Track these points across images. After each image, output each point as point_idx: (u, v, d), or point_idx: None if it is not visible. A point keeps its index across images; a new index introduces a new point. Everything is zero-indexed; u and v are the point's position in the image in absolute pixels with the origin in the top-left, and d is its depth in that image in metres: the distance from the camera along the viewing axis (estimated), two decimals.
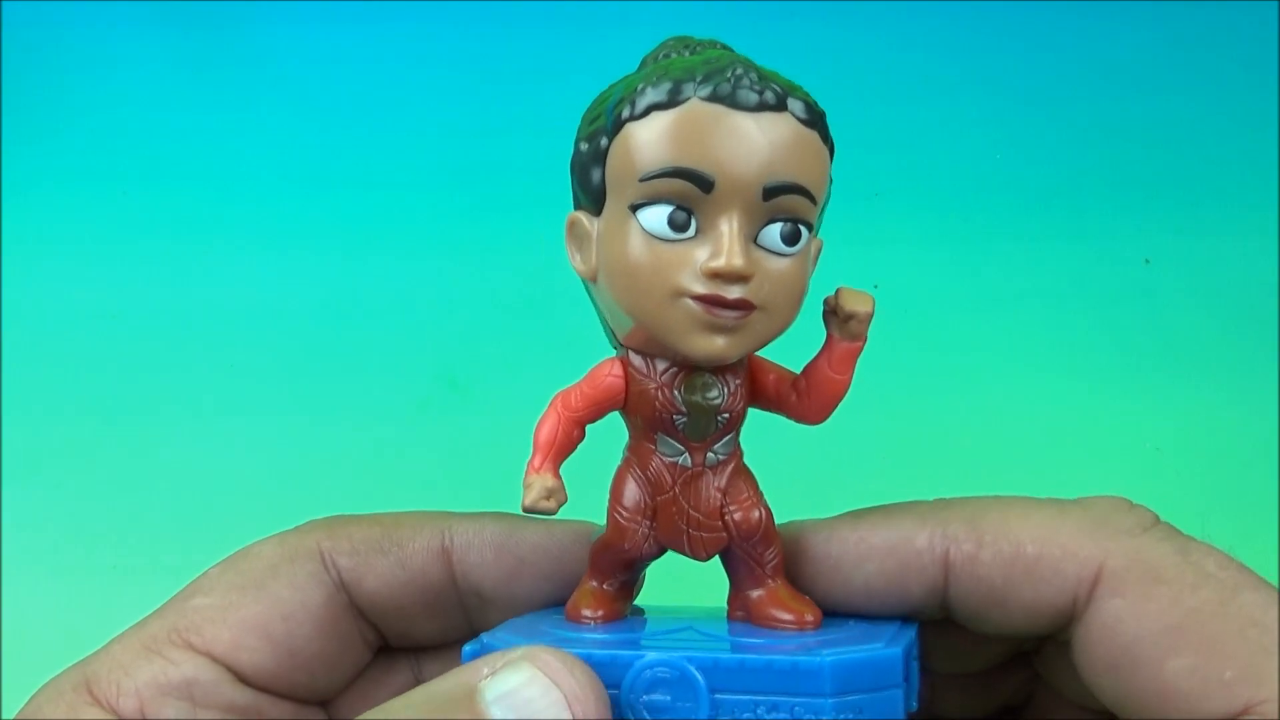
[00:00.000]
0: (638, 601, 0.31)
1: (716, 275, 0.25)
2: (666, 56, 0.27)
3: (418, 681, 0.32)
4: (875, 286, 0.27)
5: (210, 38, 0.66)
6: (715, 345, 0.25)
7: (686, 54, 0.27)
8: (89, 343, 0.61)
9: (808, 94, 0.26)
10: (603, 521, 0.28)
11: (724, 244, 0.25)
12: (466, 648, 0.27)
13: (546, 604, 0.30)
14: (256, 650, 0.28)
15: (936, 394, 0.58)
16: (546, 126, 0.60)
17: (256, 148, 0.65)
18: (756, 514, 0.27)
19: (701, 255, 0.25)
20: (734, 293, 0.25)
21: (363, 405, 0.59)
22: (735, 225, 0.25)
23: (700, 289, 0.25)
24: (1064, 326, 0.60)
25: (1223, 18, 0.63)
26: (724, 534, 0.27)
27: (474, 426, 0.58)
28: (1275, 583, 0.26)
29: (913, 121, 0.63)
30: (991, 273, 0.61)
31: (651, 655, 0.24)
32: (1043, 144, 0.63)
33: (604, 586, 0.28)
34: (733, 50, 0.28)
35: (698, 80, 0.25)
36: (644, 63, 0.28)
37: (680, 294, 0.25)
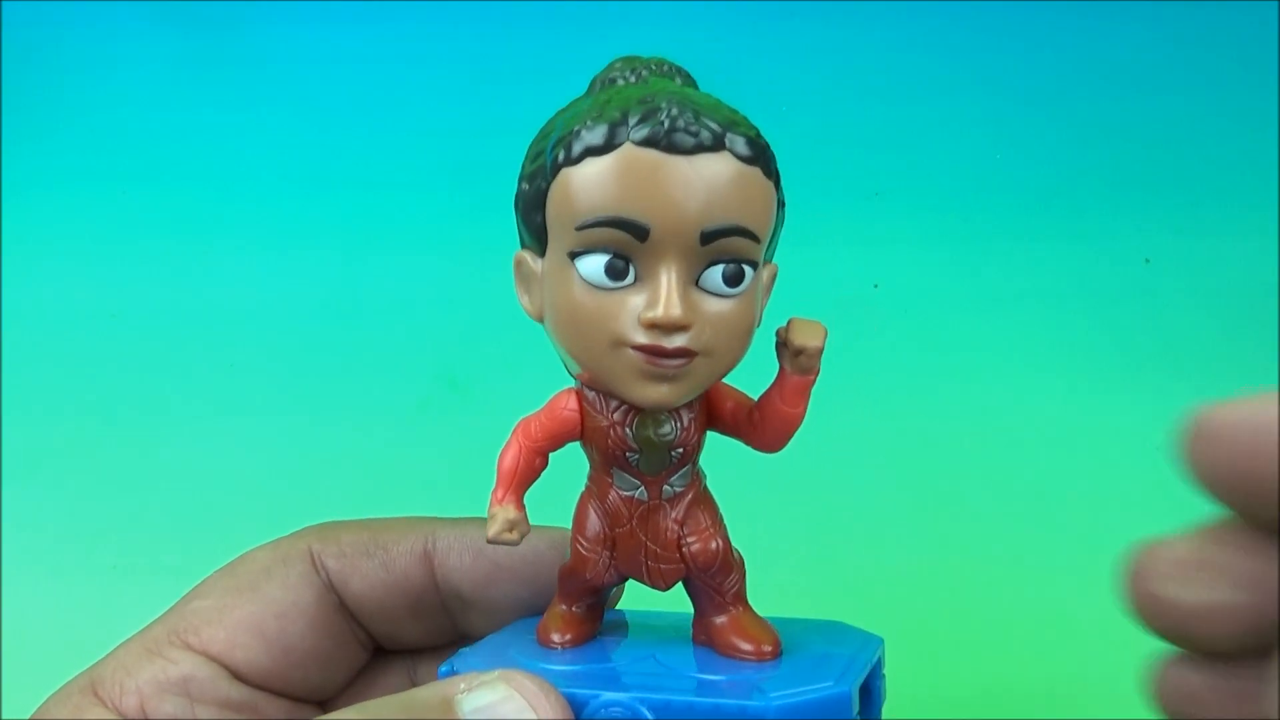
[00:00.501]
0: (620, 604, 0.31)
1: (654, 325, 0.24)
2: (612, 81, 0.27)
3: (413, 684, 0.32)
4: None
5: (210, 38, 0.66)
6: (659, 393, 0.25)
7: (632, 78, 0.27)
8: (89, 343, 0.61)
9: (750, 126, 0.25)
10: None
11: (661, 294, 0.24)
12: (441, 668, 0.27)
13: (525, 608, 0.31)
14: (251, 648, 0.29)
15: (936, 394, 0.58)
16: None
17: (256, 148, 0.65)
18: (714, 545, 0.27)
19: (640, 304, 0.25)
20: (674, 341, 0.24)
21: (363, 405, 0.59)
22: (673, 273, 0.24)
23: (640, 339, 0.24)
24: (1064, 326, 0.60)
25: (1223, 18, 0.63)
26: (682, 565, 0.27)
27: (474, 426, 0.58)
28: None
29: (913, 121, 0.63)
30: (991, 273, 0.61)
31: (606, 695, 0.25)
32: (1043, 144, 0.63)
33: (573, 609, 0.29)
34: (680, 71, 0.27)
35: (631, 124, 0.24)
36: (592, 85, 0.27)
37: (621, 343, 0.25)
